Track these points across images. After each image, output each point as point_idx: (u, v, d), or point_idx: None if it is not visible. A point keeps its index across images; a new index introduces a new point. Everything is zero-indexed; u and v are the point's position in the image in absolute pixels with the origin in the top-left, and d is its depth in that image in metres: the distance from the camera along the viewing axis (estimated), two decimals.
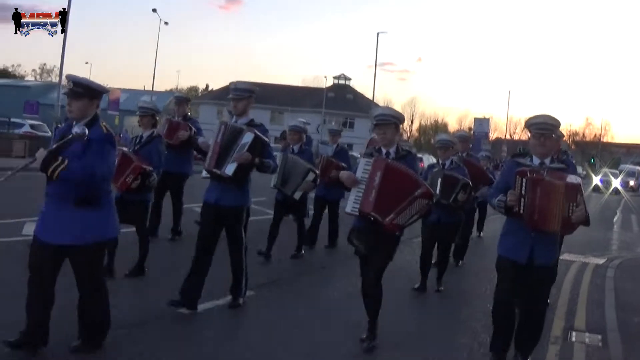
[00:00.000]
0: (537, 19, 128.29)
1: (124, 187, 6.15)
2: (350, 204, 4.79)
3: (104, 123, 4.24)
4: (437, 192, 6.52)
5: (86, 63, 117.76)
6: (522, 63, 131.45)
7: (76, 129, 3.97)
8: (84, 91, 4.17)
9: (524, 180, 4.28)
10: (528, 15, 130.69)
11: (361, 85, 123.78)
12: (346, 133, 56.16)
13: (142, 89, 64.10)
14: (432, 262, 7.36)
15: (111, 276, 6.06)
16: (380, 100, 59.29)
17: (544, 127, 4.44)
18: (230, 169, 5.31)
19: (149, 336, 4.77)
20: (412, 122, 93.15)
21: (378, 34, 47.97)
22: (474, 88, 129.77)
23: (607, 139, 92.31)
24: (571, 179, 4.29)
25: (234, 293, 5.75)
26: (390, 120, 4.92)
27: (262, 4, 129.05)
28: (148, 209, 6.63)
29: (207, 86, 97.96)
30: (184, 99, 8.99)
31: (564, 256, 9.76)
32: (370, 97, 69.16)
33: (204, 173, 5.68)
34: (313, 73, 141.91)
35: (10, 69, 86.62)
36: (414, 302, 6.82)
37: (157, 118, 7.05)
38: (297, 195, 7.93)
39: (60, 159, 3.94)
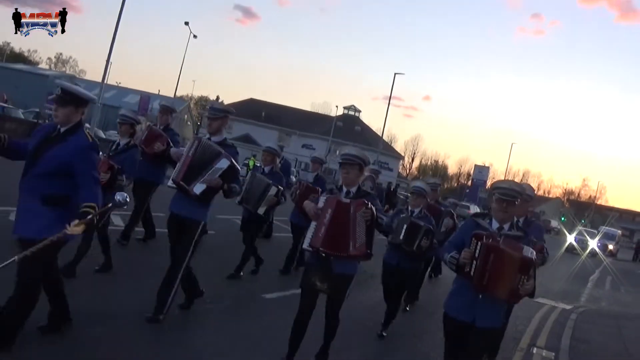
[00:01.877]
0: (547, 79, 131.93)
1: None
2: (307, 240, 4.97)
3: (87, 130, 4.39)
4: (401, 238, 6.75)
5: (108, 62, 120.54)
6: (526, 117, 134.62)
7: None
8: (71, 99, 4.28)
9: (479, 244, 4.36)
10: (539, 74, 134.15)
11: (365, 115, 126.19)
12: None
13: (157, 92, 66.20)
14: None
15: (71, 275, 6.21)
16: (384, 135, 61.24)
17: (507, 194, 4.49)
18: (198, 188, 5.46)
19: (113, 334, 5.06)
20: (412, 159, 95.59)
21: (395, 74, 49.01)
22: (476, 134, 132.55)
23: (601, 202, 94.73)
24: (527, 252, 4.35)
25: (158, 305, 5.65)
26: (355, 161, 5.03)
27: (277, 21, 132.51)
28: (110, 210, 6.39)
29: (217, 97, 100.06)
30: (169, 108, 8.96)
31: (539, 299, 11.81)
32: (375, 129, 71.52)
33: (170, 182, 5.79)
34: (320, 98, 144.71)
35: (26, 54, 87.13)
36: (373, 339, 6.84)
37: (136, 128, 7.09)
38: (261, 210, 7.98)
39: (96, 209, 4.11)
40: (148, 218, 8.98)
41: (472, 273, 4.36)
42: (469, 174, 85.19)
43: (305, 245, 4.97)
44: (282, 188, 8.10)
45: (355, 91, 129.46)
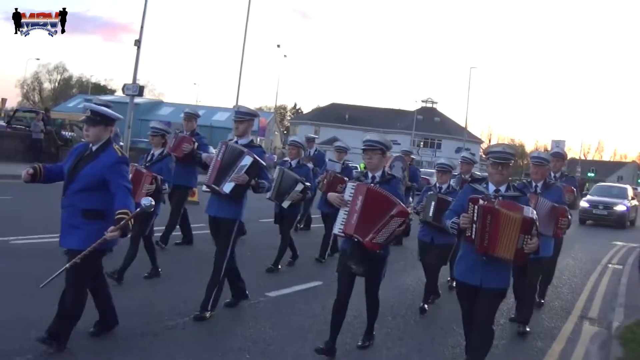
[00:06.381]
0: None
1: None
2: (338, 225, 5.04)
3: (116, 146, 4.70)
4: (430, 214, 6.81)
5: (194, 84, 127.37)
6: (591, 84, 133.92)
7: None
8: (101, 119, 4.61)
9: (476, 207, 4.47)
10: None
11: (440, 106, 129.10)
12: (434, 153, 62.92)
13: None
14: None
15: (119, 281, 6.62)
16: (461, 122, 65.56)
17: (501, 157, 4.61)
18: (228, 187, 5.72)
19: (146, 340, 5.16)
20: (489, 140, 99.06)
21: (471, 69, 54.14)
22: (546, 113, 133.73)
23: None
24: (527, 212, 4.44)
25: (204, 303, 5.86)
26: (377, 146, 5.10)
27: (332, 18, 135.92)
28: (152, 218, 6.93)
29: (295, 105, 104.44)
30: (193, 115, 9.28)
31: (618, 242, 17.31)
32: (454, 119, 75.70)
33: (205, 187, 6.13)
34: (398, 95, 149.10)
35: (102, 83, 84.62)
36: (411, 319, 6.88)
37: (167, 138, 7.51)
38: (286, 204, 8.21)
39: (127, 215, 4.42)
40: (187, 224, 9.42)
41: (472, 237, 4.53)
42: (546, 149, 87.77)
43: (336, 231, 5.10)
44: (309, 185, 8.42)
45: (429, 83, 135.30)
